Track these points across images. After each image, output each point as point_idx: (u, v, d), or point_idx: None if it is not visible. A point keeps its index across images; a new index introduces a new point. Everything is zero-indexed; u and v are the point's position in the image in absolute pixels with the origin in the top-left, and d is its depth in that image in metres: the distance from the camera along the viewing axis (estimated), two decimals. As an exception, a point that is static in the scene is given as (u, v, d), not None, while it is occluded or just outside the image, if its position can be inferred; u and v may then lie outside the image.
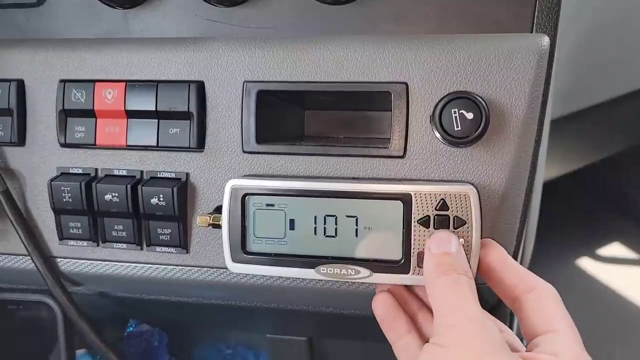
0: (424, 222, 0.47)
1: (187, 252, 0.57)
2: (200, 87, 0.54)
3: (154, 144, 0.55)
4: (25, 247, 0.58)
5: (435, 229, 0.47)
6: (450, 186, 0.47)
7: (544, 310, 0.42)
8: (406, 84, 0.50)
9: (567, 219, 1.65)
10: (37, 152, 0.58)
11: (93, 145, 0.57)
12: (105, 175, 0.57)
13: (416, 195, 0.47)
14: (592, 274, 1.58)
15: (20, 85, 0.57)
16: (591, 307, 1.47)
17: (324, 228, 0.49)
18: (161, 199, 0.54)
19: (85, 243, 0.58)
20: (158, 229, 0.56)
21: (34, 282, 0.61)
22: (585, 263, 1.61)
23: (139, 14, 0.57)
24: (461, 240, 0.46)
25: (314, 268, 0.49)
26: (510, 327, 0.63)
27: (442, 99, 0.48)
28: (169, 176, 0.56)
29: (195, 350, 0.98)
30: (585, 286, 1.56)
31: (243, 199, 0.50)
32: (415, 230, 0.47)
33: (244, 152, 0.54)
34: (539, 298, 0.43)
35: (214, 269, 0.57)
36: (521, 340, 0.47)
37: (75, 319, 0.61)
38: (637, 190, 1.71)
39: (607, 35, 1.01)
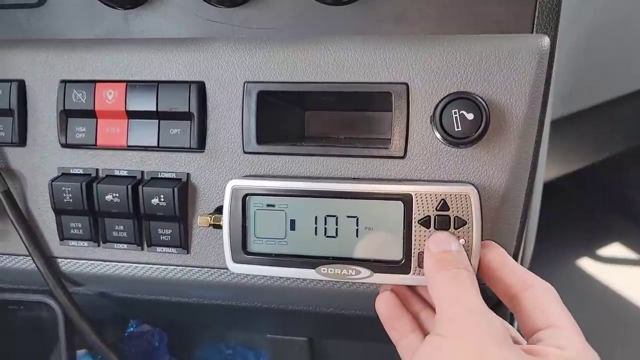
0: (425, 222, 0.47)
1: (187, 253, 0.57)
2: (201, 87, 0.54)
3: (155, 144, 0.55)
4: (26, 247, 0.58)
5: (435, 229, 0.47)
6: (450, 186, 0.47)
7: (543, 306, 0.42)
8: (407, 84, 0.50)
9: (568, 219, 1.65)
10: (37, 153, 0.58)
11: (94, 146, 0.57)
12: (106, 176, 0.57)
13: (417, 195, 0.47)
14: (592, 274, 1.58)
15: (21, 85, 0.57)
16: (591, 307, 1.47)
17: (325, 228, 0.49)
18: (162, 200, 0.54)
19: (86, 243, 0.58)
20: (159, 230, 0.56)
21: (35, 282, 0.61)
22: (585, 263, 1.61)
23: (139, 15, 0.57)
24: (462, 240, 0.46)
25: (314, 268, 0.49)
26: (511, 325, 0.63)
27: (442, 99, 0.48)
28: (170, 176, 0.56)
29: (196, 351, 0.98)
30: (585, 286, 1.56)
31: (244, 200, 0.50)
32: (415, 231, 0.47)
33: (245, 152, 0.54)
34: (538, 295, 0.43)
35: (215, 269, 0.57)
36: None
37: (76, 319, 0.61)
38: (637, 191, 1.71)
39: (607, 36, 1.01)
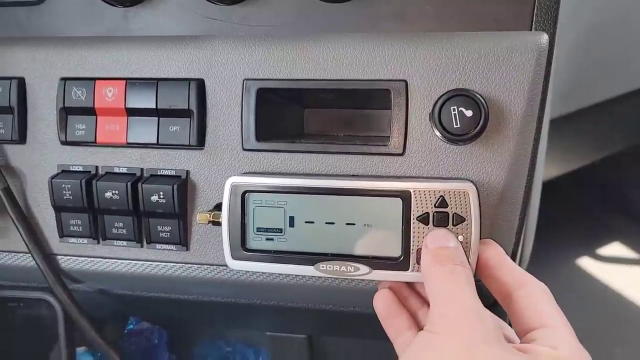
0: (423, 219, 0.47)
1: (187, 250, 0.57)
2: (200, 85, 0.54)
3: (154, 141, 0.55)
4: (26, 244, 0.59)
5: (434, 226, 0.47)
6: (449, 183, 0.47)
7: (537, 306, 0.42)
8: (405, 81, 0.50)
9: (567, 219, 1.66)
10: (37, 150, 0.58)
11: (93, 143, 0.57)
12: (106, 173, 0.57)
13: (415, 192, 0.47)
14: (592, 274, 1.58)
15: (21, 83, 0.57)
16: (591, 307, 1.47)
17: (324, 225, 0.49)
18: (161, 197, 0.54)
19: (85, 240, 0.59)
20: (158, 227, 0.56)
21: (35, 279, 0.62)
22: (585, 263, 1.61)
23: (139, 12, 0.57)
24: (460, 237, 0.46)
25: (313, 265, 0.49)
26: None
27: (441, 96, 0.48)
28: (169, 174, 0.56)
29: (195, 348, 0.98)
30: (585, 286, 1.56)
31: (243, 196, 0.50)
32: (414, 227, 0.47)
33: (244, 149, 0.54)
34: (531, 294, 0.43)
35: (214, 266, 0.57)
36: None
37: (75, 317, 0.61)
38: (637, 190, 1.71)
39: (606, 34, 1.01)
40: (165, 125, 0.55)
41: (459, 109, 0.47)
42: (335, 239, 0.49)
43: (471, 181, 0.49)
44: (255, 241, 0.50)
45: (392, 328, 0.49)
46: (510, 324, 0.54)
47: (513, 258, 0.53)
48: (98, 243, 0.59)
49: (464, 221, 0.46)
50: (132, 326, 0.93)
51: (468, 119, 0.47)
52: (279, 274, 0.56)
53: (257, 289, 0.60)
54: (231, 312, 0.78)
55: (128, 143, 0.56)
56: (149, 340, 0.92)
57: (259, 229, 0.50)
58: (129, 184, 0.55)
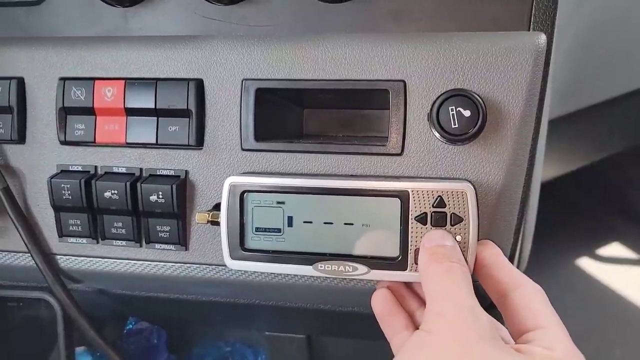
0: (421, 219, 0.47)
1: (186, 249, 0.57)
2: (199, 85, 0.54)
3: (153, 141, 0.55)
4: (25, 244, 0.59)
5: (432, 226, 0.47)
6: (447, 183, 0.47)
7: (531, 307, 0.42)
8: (404, 81, 0.50)
9: (567, 219, 1.65)
10: (37, 150, 0.58)
11: (93, 143, 0.57)
12: (105, 173, 0.57)
13: (413, 192, 0.47)
14: (591, 274, 1.58)
15: (20, 83, 0.58)
16: (591, 307, 1.47)
17: (322, 225, 0.49)
18: (160, 197, 0.54)
19: (84, 240, 0.59)
20: (157, 226, 0.56)
21: (34, 279, 0.62)
22: (585, 263, 1.61)
23: (138, 13, 0.58)
24: (458, 237, 0.46)
25: (311, 265, 0.49)
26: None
27: (439, 96, 0.48)
28: (168, 173, 0.56)
29: (195, 348, 0.98)
30: (585, 286, 1.55)
31: (242, 196, 0.50)
32: (412, 227, 0.47)
33: (243, 149, 0.54)
34: (526, 295, 0.43)
35: (213, 266, 0.58)
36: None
37: (74, 316, 0.61)
38: (637, 191, 1.71)
39: (606, 34, 1.00)
40: (164, 125, 0.55)
41: (457, 109, 0.47)
42: (333, 238, 0.49)
43: (469, 181, 0.49)
44: (254, 241, 0.51)
45: (389, 327, 0.49)
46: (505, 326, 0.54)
47: (511, 258, 0.53)
48: (97, 243, 0.59)
49: (462, 221, 0.47)
50: (131, 326, 0.93)
51: (466, 119, 0.47)
52: (278, 274, 0.56)
53: (255, 288, 0.60)
54: (230, 312, 0.78)
55: (127, 143, 0.56)
56: (148, 340, 0.92)
57: (257, 229, 0.50)
58: (128, 183, 0.55)
